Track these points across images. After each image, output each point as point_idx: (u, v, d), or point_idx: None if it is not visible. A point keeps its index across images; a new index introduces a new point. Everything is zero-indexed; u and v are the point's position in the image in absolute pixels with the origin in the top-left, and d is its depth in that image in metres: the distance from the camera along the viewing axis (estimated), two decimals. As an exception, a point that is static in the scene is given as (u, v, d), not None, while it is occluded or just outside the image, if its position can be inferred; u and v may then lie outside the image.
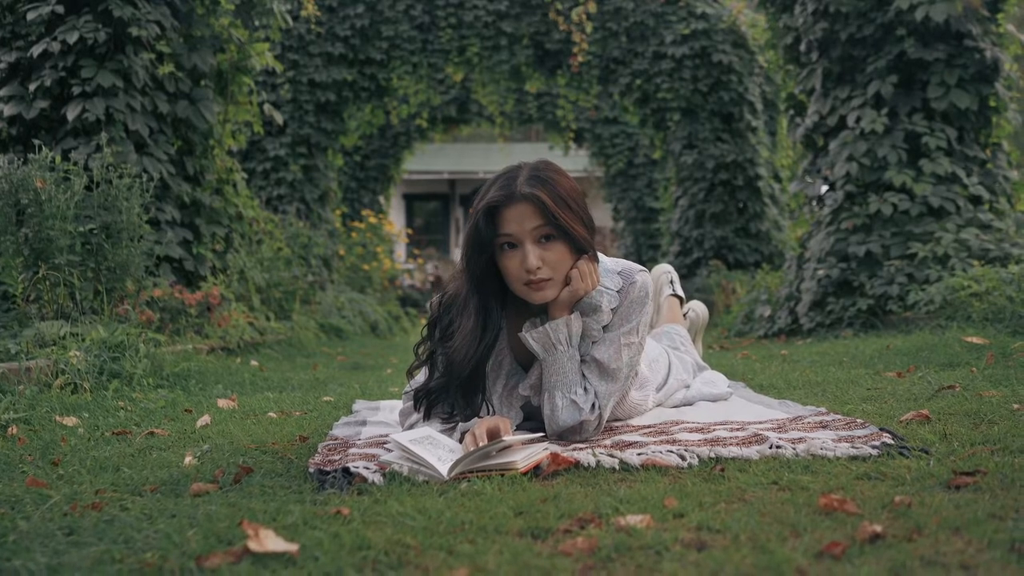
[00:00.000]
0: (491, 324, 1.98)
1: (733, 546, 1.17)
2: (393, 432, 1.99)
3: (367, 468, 1.69)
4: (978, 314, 4.14)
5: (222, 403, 2.86)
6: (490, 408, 2.03)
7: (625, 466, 1.70)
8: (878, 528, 1.18)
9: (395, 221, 18.76)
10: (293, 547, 1.15)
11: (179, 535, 1.24)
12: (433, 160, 19.34)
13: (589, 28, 8.98)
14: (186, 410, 2.75)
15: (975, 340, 3.47)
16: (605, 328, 2.03)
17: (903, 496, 1.36)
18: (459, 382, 1.97)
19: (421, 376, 2.07)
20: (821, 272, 5.55)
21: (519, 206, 1.89)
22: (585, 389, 1.99)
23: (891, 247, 5.32)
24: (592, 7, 8.89)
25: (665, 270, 3.21)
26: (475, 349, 1.95)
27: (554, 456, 1.70)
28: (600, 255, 2.06)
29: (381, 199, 13.00)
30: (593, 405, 1.99)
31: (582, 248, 1.95)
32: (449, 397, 1.99)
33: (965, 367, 3.06)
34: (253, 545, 1.15)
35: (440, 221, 21.69)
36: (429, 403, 2.00)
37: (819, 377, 3.16)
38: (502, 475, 1.62)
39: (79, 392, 2.96)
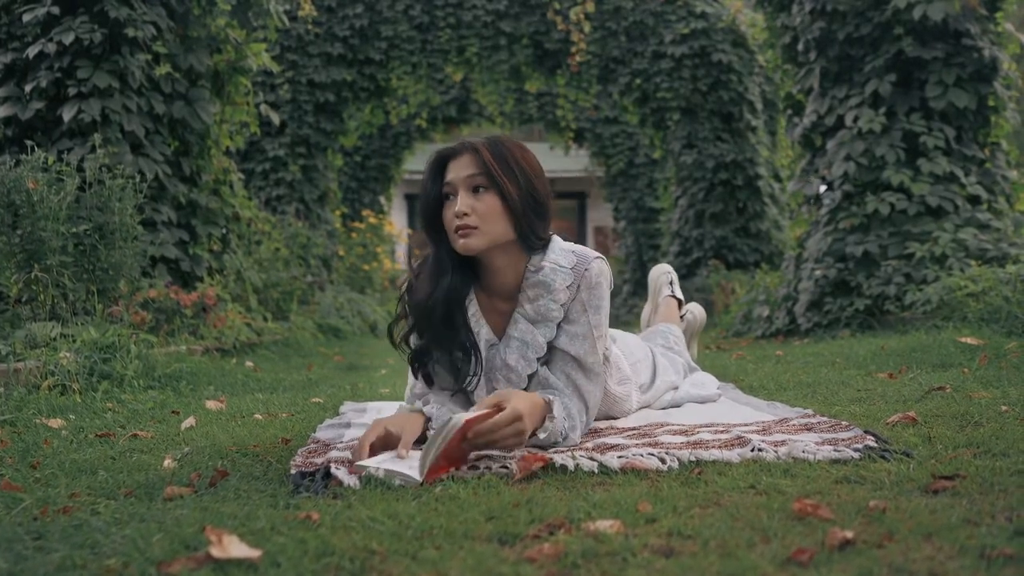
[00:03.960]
0: (445, 267, 2.00)
1: (701, 552, 1.16)
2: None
3: (344, 471, 1.68)
4: (974, 314, 4.12)
5: (210, 404, 2.86)
6: (479, 372, 2.03)
7: (604, 469, 1.69)
8: (848, 534, 1.17)
9: (397, 221, 18.75)
10: (255, 554, 1.14)
11: (144, 540, 1.23)
12: (435, 160, 19.27)
13: (587, 28, 8.98)
14: (173, 412, 2.74)
15: (969, 341, 3.45)
16: (569, 314, 2.00)
17: (878, 501, 1.35)
18: (432, 334, 1.99)
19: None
20: (818, 272, 5.53)
21: (462, 157, 1.96)
22: (569, 433, 1.93)
23: (889, 247, 5.30)
24: (590, 7, 8.88)
25: (664, 270, 3.20)
26: (433, 287, 1.98)
27: (526, 457, 1.68)
28: (556, 238, 2.06)
29: (381, 199, 12.99)
30: (575, 426, 1.96)
31: (513, 204, 1.93)
32: (433, 356, 2.01)
33: (958, 368, 3.04)
34: (216, 551, 1.14)
35: (442, 221, 21.63)
36: (422, 364, 2.03)
37: (810, 378, 3.15)
38: (481, 473, 1.61)
39: (68, 394, 2.95)
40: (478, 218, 1.92)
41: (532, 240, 2.00)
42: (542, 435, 1.85)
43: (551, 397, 1.90)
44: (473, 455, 1.79)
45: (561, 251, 2.03)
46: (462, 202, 1.92)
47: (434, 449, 1.61)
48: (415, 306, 2.01)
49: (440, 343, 2.01)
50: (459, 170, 1.95)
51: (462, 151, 1.96)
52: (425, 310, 1.99)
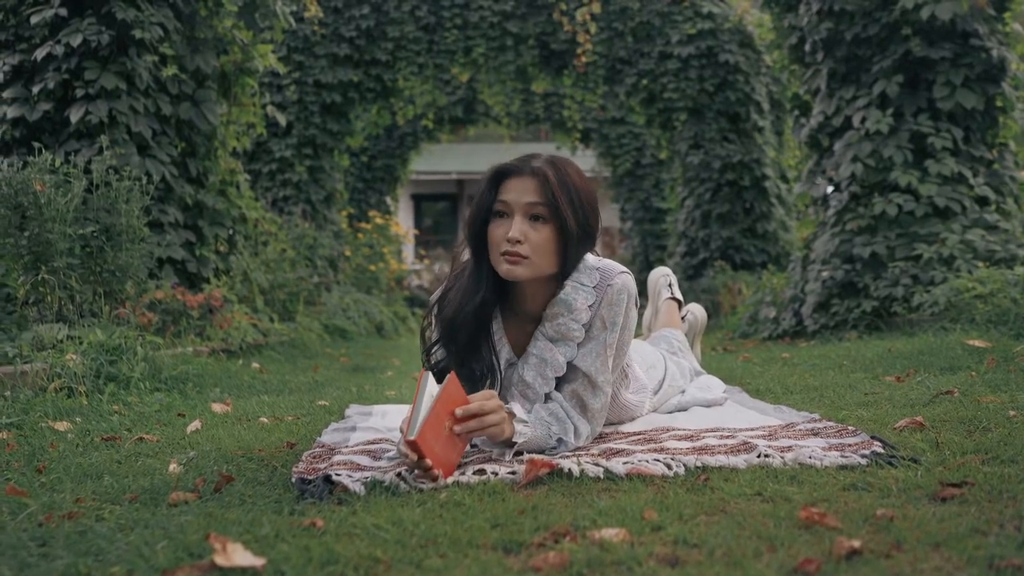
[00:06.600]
0: (482, 283, 1.95)
1: (707, 562, 1.15)
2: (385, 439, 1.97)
3: (349, 477, 1.67)
4: (982, 316, 4.10)
5: (216, 407, 2.86)
6: (497, 384, 2.01)
7: (610, 475, 1.68)
8: (856, 544, 1.16)
9: (404, 221, 18.79)
10: (259, 562, 1.14)
11: (149, 548, 1.23)
12: (441, 160, 19.34)
13: (593, 28, 8.96)
14: (179, 414, 2.75)
15: (977, 343, 3.43)
16: (588, 329, 1.98)
17: (886, 509, 1.34)
18: (456, 350, 1.96)
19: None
20: (825, 274, 5.51)
21: (524, 179, 1.90)
22: (561, 437, 1.93)
23: (896, 248, 5.28)
24: (597, 7, 8.87)
25: (663, 273, 3.20)
26: (465, 303, 1.94)
27: (532, 461, 1.68)
28: (586, 255, 2.03)
29: (388, 200, 12.99)
30: (576, 432, 1.95)
31: (569, 240, 1.90)
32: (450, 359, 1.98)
33: (966, 371, 3.02)
34: (219, 559, 1.13)
35: (449, 221, 21.69)
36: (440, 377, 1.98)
37: (817, 381, 3.13)
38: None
39: (74, 396, 2.96)
40: (530, 248, 1.88)
41: (570, 270, 1.96)
42: (520, 439, 1.83)
43: (512, 407, 1.86)
44: (477, 458, 1.80)
45: (585, 269, 1.98)
46: (517, 228, 1.86)
47: (423, 410, 1.64)
48: (444, 320, 1.97)
49: (462, 359, 1.98)
50: (521, 193, 1.89)
51: (527, 173, 1.90)
52: (454, 326, 1.95)
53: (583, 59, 9.07)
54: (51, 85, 4.68)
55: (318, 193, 9.16)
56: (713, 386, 2.73)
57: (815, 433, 2.01)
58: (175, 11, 5.04)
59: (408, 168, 13.33)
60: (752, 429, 2.13)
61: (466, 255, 2.03)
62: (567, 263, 1.94)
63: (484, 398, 1.78)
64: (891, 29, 5.53)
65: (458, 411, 1.72)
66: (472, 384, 1.98)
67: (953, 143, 5.40)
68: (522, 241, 1.87)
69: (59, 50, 4.67)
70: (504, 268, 1.89)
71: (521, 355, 2.03)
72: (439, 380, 1.88)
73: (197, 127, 5.18)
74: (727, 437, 2.00)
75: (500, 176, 1.93)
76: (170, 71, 4.88)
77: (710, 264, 9.05)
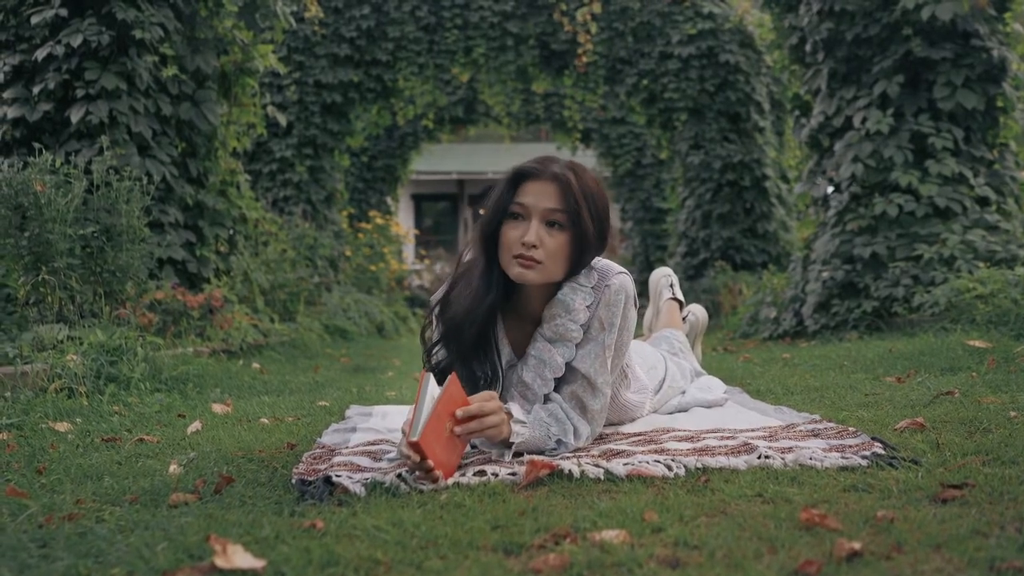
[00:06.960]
0: (491, 285, 1.94)
1: (708, 563, 1.15)
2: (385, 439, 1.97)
3: (349, 478, 1.67)
4: (982, 317, 4.09)
5: (217, 408, 2.86)
6: (499, 385, 2.00)
7: (610, 476, 1.68)
8: (856, 545, 1.16)
9: (404, 221, 18.79)
10: (259, 564, 1.14)
11: (149, 549, 1.23)
12: (442, 160, 19.34)
13: (594, 29, 8.97)
14: (179, 415, 2.75)
15: (978, 344, 3.43)
16: (586, 331, 1.97)
17: (887, 511, 1.34)
18: (460, 351, 1.94)
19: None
20: (826, 274, 5.51)
21: (545, 183, 1.89)
22: (561, 438, 1.92)
23: (896, 249, 5.27)
24: (597, 7, 8.88)
25: (665, 273, 3.20)
26: (474, 305, 1.92)
27: (532, 462, 1.68)
28: None
29: (388, 200, 12.99)
30: (576, 432, 1.94)
31: (585, 248, 1.91)
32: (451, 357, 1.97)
33: (966, 372, 3.02)
34: (219, 561, 1.13)
35: (449, 221, 21.69)
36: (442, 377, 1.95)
37: (818, 382, 3.13)
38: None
39: (75, 397, 2.96)
40: (545, 253, 1.87)
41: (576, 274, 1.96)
42: (517, 439, 1.83)
43: (510, 407, 1.85)
44: (477, 459, 1.80)
45: (584, 270, 1.98)
46: (534, 233, 1.86)
47: (425, 411, 1.63)
48: (451, 321, 1.94)
49: (465, 360, 1.97)
50: (541, 198, 1.88)
51: (548, 177, 1.89)
52: (460, 327, 1.93)
53: (583, 59, 9.08)
54: (51, 85, 4.69)
55: (318, 193, 9.16)
56: (714, 387, 2.72)
57: (816, 434, 2.01)
58: (175, 11, 5.04)
59: (408, 168, 13.33)
60: (753, 430, 2.13)
61: (469, 255, 2.02)
62: (577, 270, 1.94)
63: (484, 399, 1.78)
64: (892, 29, 5.53)
65: (458, 412, 1.72)
66: (473, 385, 1.98)
67: (954, 143, 5.40)
68: (537, 246, 1.86)
69: (59, 50, 4.67)
70: (516, 271, 1.89)
71: (522, 356, 2.03)
72: (440, 380, 1.88)
73: (197, 127, 5.19)
74: (728, 438, 1.99)
75: (519, 178, 1.92)
76: (170, 71, 4.88)
77: (711, 264, 9.05)
